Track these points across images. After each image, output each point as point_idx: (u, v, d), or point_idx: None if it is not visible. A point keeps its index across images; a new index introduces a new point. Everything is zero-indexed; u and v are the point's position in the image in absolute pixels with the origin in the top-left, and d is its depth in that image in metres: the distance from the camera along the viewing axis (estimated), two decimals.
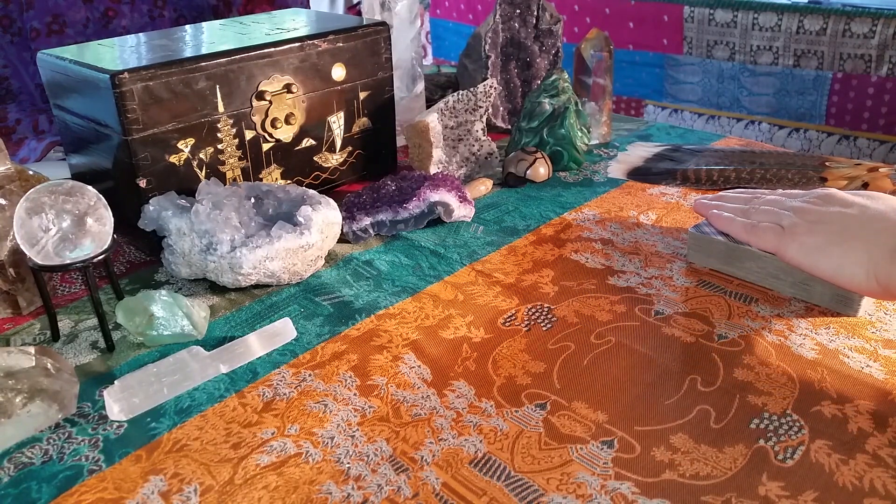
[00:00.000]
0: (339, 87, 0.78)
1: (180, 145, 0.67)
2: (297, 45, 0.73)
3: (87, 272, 0.54)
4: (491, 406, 0.49)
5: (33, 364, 0.48)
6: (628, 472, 0.43)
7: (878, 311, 0.58)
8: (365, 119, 0.83)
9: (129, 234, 0.70)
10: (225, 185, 0.67)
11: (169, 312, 0.56)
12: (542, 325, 0.57)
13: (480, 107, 0.86)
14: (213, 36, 0.76)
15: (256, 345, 0.54)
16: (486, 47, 0.96)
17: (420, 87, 0.98)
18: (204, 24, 0.83)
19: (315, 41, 0.75)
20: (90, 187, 0.54)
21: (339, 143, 0.81)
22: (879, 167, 0.79)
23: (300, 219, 0.63)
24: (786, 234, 0.57)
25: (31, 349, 0.49)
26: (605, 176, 0.87)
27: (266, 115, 0.73)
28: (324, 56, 0.76)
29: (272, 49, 0.71)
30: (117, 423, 0.48)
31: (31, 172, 0.66)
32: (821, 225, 0.55)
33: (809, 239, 0.55)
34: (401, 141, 0.94)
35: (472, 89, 0.85)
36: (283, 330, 0.56)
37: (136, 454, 0.45)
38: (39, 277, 0.55)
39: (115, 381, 0.50)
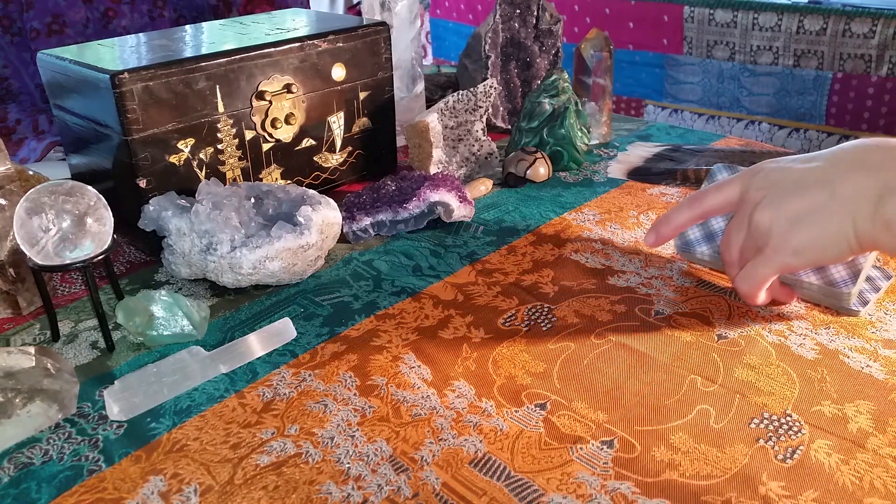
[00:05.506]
0: (339, 87, 0.78)
1: (180, 145, 0.67)
2: (297, 45, 0.73)
3: (87, 272, 0.54)
4: (491, 406, 0.49)
5: (33, 364, 0.48)
6: (628, 472, 0.43)
7: (879, 311, 0.58)
8: (365, 119, 0.83)
9: (129, 234, 0.70)
10: (225, 185, 0.67)
11: (169, 312, 0.56)
12: (542, 325, 0.57)
13: (480, 107, 0.86)
14: (213, 36, 0.76)
15: (256, 345, 0.54)
16: (486, 47, 0.96)
17: (420, 87, 0.98)
18: (204, 24, 0.83)
19: (315, 41, 0.75)
20: (90, 187, 0.54)
21: (339, 143, 0.81)
22: None
23: (300, 219, 0.63)
24: (768, 250, 0.51)
25: (31, 349, 0.49)
26: (605, 176, 0.87)
27: (266, 115, 0.73)
28: (324, 56, 0.76)
29: (272, 49, 0.71)
30: (117, 424, 0.48)
31: (31, 172, 0.66)
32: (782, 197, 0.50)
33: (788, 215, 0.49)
34: (401, 141, 0.94)
35: (472, 89, 0.85)
36: (283, 330, 0.56)
37: (136, 454, 0.45)
38: (39, 277, 0.55)
39: (115, 381, 0.50)
